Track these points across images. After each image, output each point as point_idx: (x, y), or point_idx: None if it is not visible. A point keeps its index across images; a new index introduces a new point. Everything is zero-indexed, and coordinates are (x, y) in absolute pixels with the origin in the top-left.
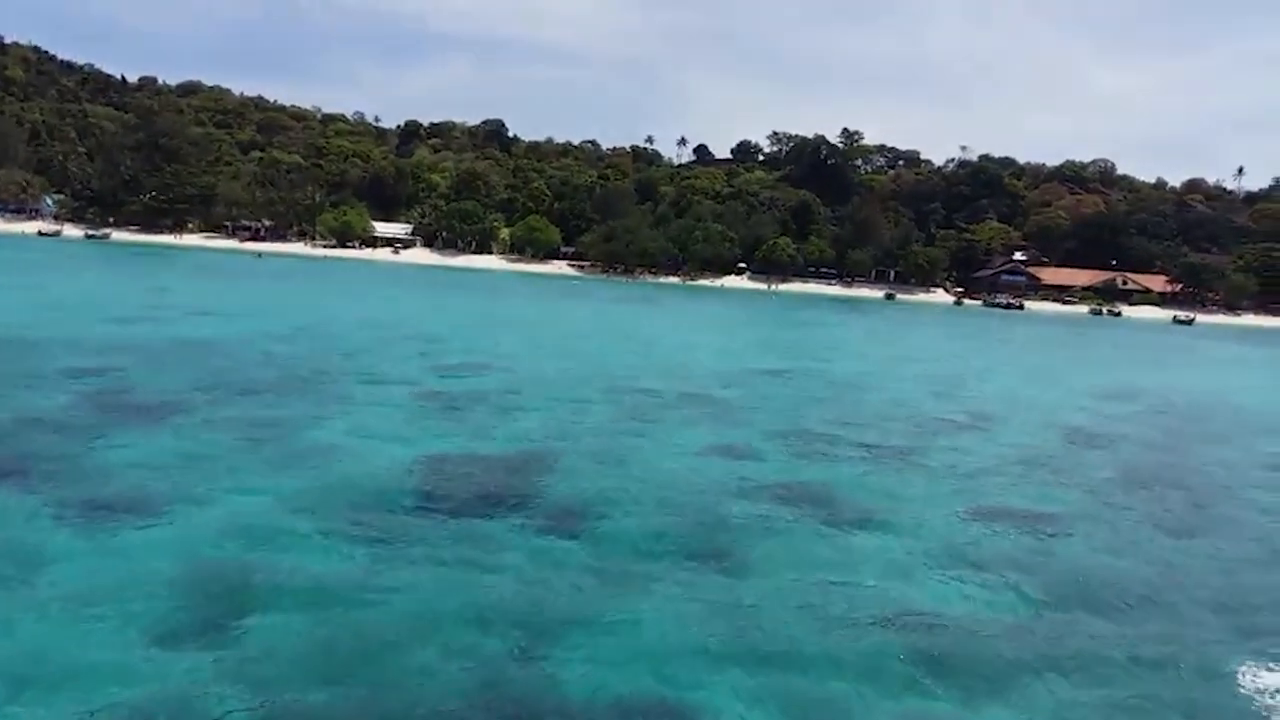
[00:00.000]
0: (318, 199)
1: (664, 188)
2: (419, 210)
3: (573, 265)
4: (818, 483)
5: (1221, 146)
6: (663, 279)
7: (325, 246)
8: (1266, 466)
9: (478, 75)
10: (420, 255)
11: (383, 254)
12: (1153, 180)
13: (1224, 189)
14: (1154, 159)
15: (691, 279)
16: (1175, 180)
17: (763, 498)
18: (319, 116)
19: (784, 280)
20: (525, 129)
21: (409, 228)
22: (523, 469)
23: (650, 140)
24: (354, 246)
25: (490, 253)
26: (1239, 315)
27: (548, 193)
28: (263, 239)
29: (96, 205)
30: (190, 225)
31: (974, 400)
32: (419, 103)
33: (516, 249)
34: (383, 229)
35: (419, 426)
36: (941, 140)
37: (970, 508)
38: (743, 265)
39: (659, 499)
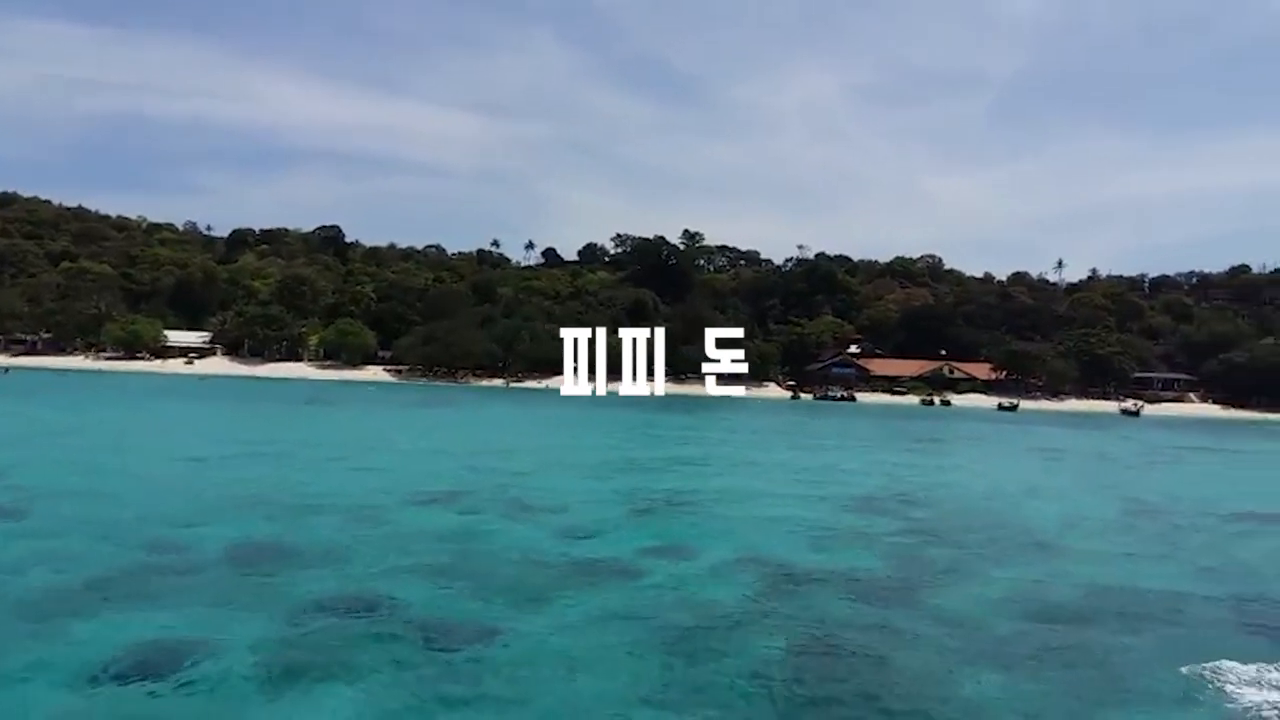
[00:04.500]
0: (103, 308)
1: (503, 290)
2: (220, 317)
3: (390, 370)
4: None
5: (1043, 243)
6: (487, 382)
7: (110, 358)
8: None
9: (331, 186)
10: (218, 365)
11: (174, 364)
12: (980, 274)
13: (1046, 281)
14: (981, 256)
15: (518, 380)
16: (1001, 274)
17: None
18: (143, 226)
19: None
20: (373, 236)
21: (208, 336)
22: None
23: (496, 244)
24: (144, 358)
25: (300, 360)
26: (1062, 400)
27: (371, 296)
28: (40, 352)
29: None
30: None
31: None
32: (267, 212)
33: (329, 355)
34: (179, 338)
35: None
36: (782, 241)
37: None
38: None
39: None
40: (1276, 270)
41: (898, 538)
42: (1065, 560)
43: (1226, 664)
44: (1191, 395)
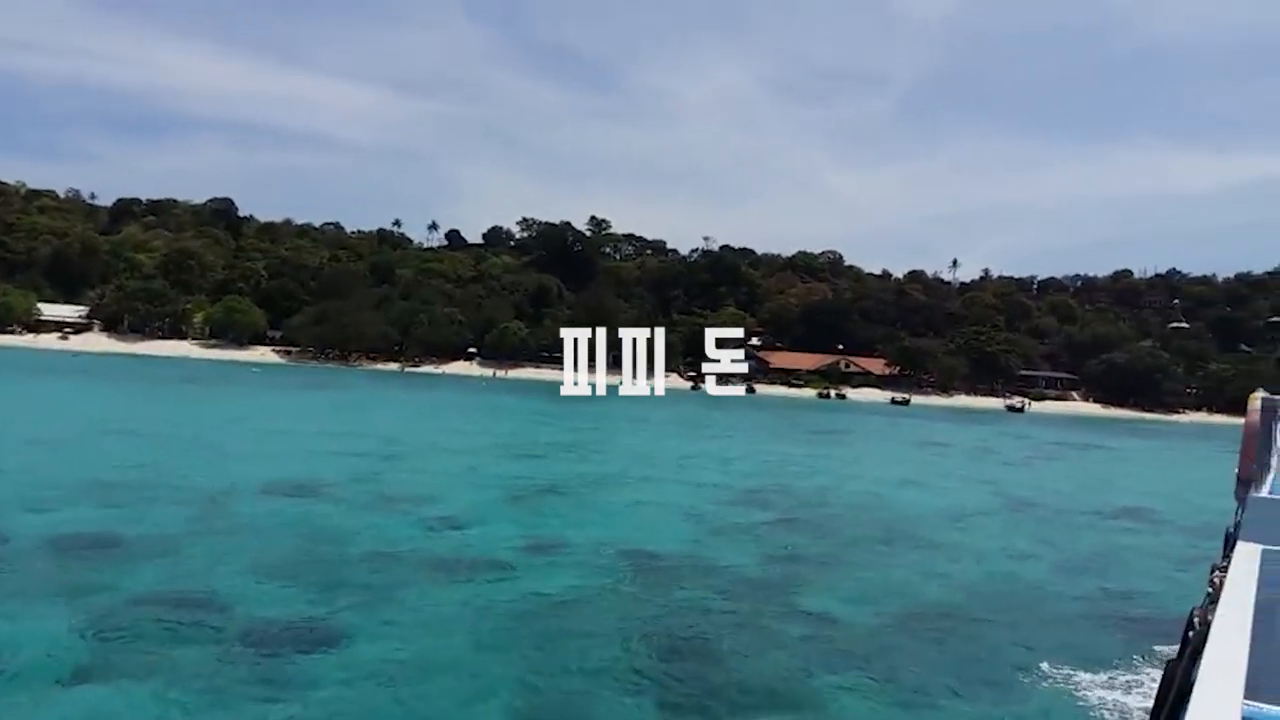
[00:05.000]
0: None
1: (402, 271)
2: (99, 291)
3: (279, 351)
4: None
5: (939, 242)
6: (381, 365)
7: None
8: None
9: (225, 156)
10: (95, 341)
11: (48, 339)
12: (879, 271)
13: (941, 279)
14: (880, 253)
15: (414, 365)
16: (899, 271)
17: None
18: (21, 192)
19: (514, 365)
20: (269, 211)
21: (85, 310)
22: None
23: (398, 224)
24: (15, 332)
25: (184, 338)
26: (951, 396)
27: (262, 273)
28: None
29: None
30: None
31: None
32: (156, 182)
33: (216, 334)
34: (54, 311)
35: None
36: (688, 231)
37: None
38: (473, 350)
39: None
40: (1156, 275)
41: (775, 530)
42: (937, 555)
43: (1081, 661)
44: (1074, 394)
